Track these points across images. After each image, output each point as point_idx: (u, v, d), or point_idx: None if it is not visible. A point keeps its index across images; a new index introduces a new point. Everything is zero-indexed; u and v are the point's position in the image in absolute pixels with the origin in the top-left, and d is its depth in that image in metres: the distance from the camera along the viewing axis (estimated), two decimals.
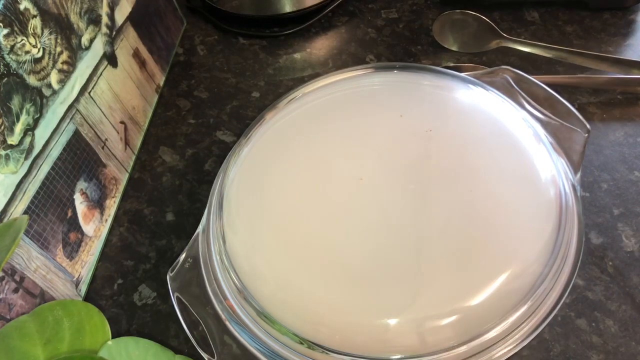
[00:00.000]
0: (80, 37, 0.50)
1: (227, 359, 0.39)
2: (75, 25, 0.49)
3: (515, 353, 0.40)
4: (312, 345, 0.36)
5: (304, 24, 0.71)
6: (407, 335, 0.35)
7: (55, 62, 0.46)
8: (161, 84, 0.65)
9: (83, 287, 0.49)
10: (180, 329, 0.47)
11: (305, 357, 0.36)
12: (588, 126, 0.43)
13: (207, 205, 0.44)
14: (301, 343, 0.36)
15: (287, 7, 0.70)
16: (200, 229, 0.44)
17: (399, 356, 0.35)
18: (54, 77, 0.46)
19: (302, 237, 0.40)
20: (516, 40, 0.64)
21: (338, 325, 0.36)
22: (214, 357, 0.39)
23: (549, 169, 0.41)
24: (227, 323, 0.39)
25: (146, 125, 0.61)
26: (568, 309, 0.46)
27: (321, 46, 0.70)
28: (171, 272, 0.42)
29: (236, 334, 0.39)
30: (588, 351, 0.44)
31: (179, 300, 0.41)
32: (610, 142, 0.56)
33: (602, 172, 0.54)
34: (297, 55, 0.69)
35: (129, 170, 0.57)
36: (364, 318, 0.36)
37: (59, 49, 0.47)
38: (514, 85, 0.46)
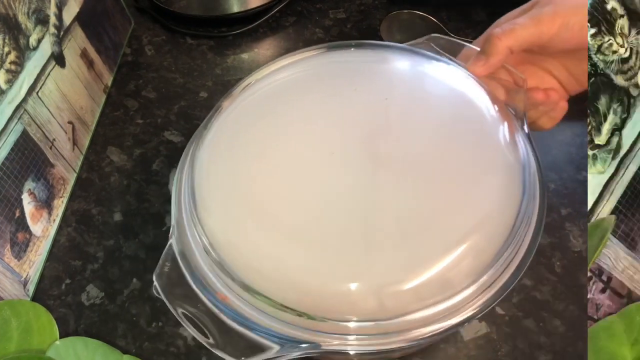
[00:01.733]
0: (28, 37, 0.49)
1: (223, 342, 0.39)
2: (23, 25, 0.49)
3: (463, 353, 0.41)
4: (301, 313, 0.36)
5: (252, 24, 0.71)
6: (367, 299, 0.36)
7: (2, 62, 0.46)
8: (109, 84, 0.65)
9: (31, 287, 0.49)
10: (128, 329, 0.47)
11: (292, 325, 0.37)
12: (524, 77, 0.44)
13: (174, 200, 0.43)
14: (288, 311, 0.36)
15: (235, 8, 0.71)
16: (173, 221, 0.43)
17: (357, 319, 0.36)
18: (1, 77, 0.46)
19: (272, 209, 0.39)
20: (464, 40, 0.66)
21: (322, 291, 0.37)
22: (208, 338, 0.38)
23: (503, 126, 0.42)
24: (216, 305, 0.39)
25: (94, 125, 0.61)
26: (516, 309, 0.48)
27: (269, 46, 0.71)
28: (157, 271, 0.41)
29: (226, 318, 0.38)
30: (536, 351, 0.45)
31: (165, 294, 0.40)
32: (558, 142, 0.58)
33: (550, 172, 0.55)
34: (244, 55, 0.70)
35: (77, 170, 0.57)
36: (332, 282, 0.37)
37: (6, 49, 0.46)
38: (443, 51, 0.48)
